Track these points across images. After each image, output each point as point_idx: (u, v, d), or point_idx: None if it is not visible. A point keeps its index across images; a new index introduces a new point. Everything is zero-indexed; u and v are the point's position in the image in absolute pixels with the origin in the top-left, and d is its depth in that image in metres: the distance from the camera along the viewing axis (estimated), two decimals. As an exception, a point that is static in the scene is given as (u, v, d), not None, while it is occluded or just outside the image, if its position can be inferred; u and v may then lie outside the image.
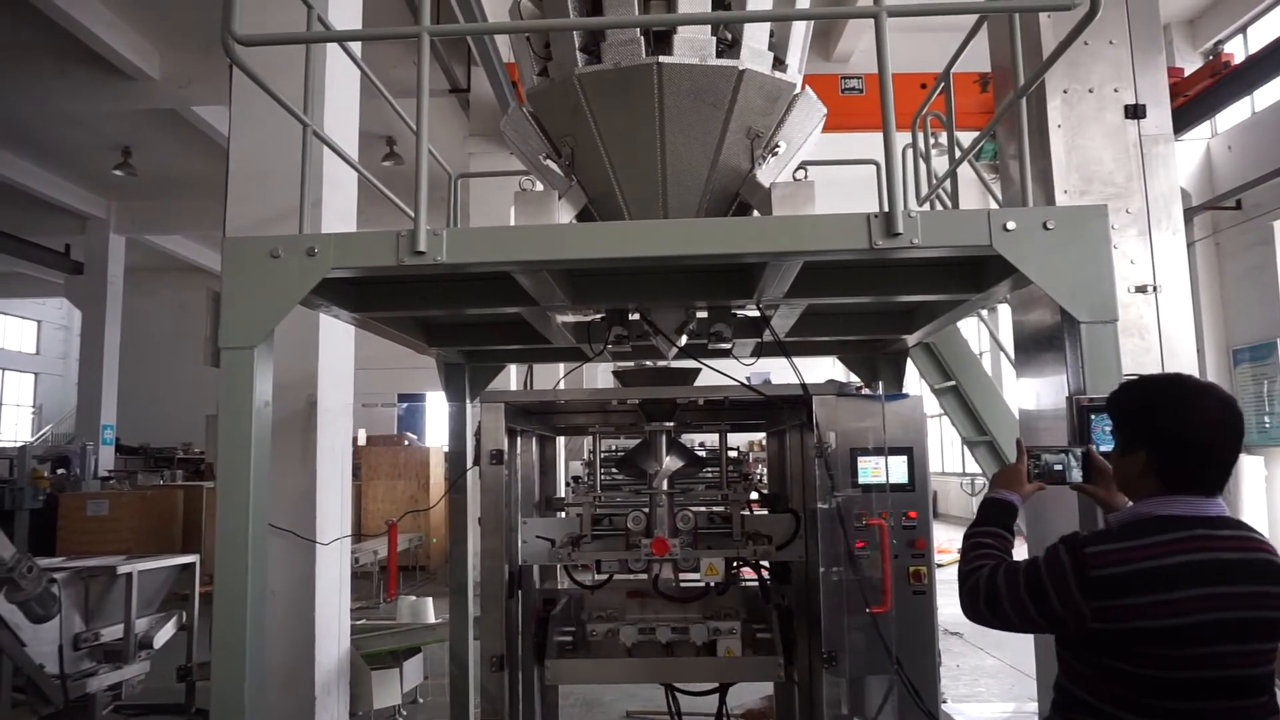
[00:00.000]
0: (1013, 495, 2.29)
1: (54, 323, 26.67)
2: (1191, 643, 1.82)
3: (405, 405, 23.75)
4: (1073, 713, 1.98)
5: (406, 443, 15.35)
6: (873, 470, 3.30)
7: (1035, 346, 3.85)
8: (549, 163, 3.34)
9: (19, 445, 13.61)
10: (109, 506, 11.84)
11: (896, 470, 3.29)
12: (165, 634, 5.73)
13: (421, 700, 6.40)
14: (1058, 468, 2.35)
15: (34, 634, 4.66)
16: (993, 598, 2.01)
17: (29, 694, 4.76)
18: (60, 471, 14.20)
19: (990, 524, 2.23)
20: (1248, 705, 1.85)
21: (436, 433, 22.63)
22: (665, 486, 3.51)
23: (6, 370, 25.25)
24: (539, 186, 3.10)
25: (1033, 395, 3.89)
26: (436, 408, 24.69)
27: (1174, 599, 1.81)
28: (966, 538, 2.24)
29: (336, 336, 5.49)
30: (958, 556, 2.26)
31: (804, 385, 3.27)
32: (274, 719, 4.98)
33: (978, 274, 3.30)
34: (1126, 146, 3.87)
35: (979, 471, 6.07)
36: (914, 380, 5.17)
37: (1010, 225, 2.59)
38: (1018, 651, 7.54)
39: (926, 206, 4.46)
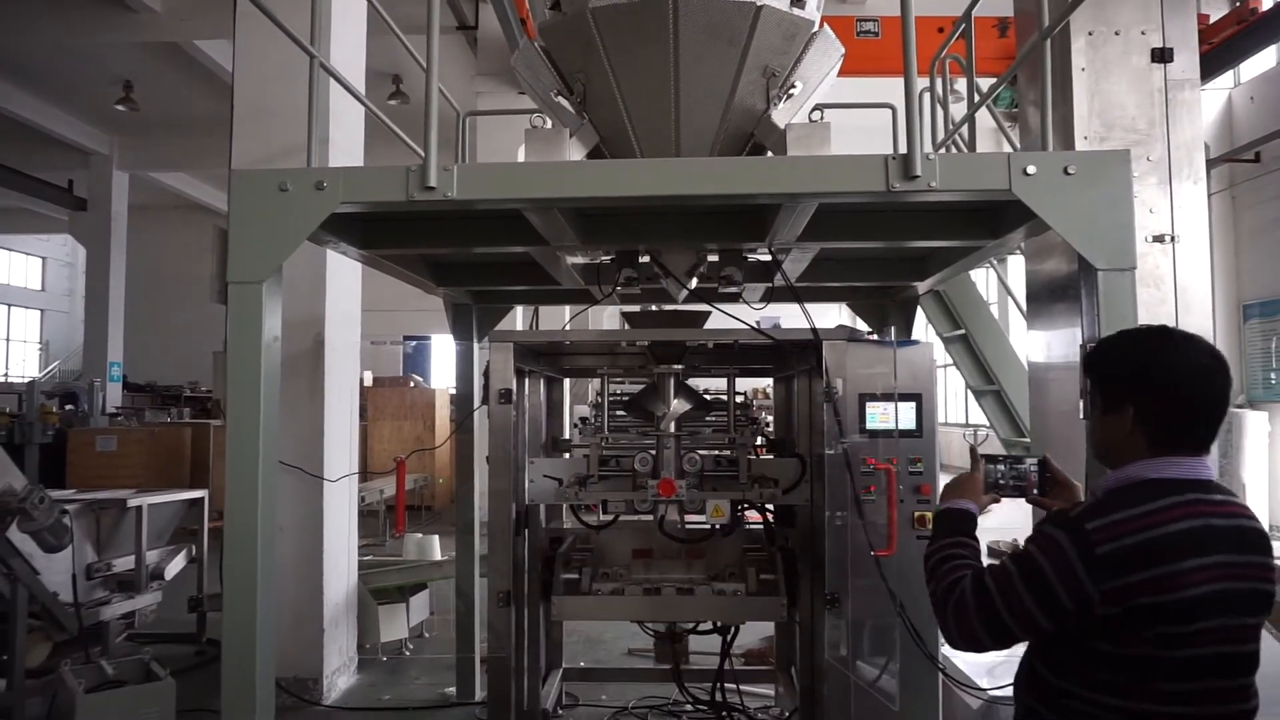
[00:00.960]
0: (969, 504, 2.09)
1: (59, 259, 26.60)
2: (1197, 618, 1.66)
3: (413, 343, 23.75)
4: (1062, 701, 1.77)
5: (412, 384, 15.40)
6: (880, 416, 3.30)
7: (1048, 297, 3.82)
8: (560, 100, 3.28)
9: (27, 380, 13.64)
10: (117, 443, 11.93)
11: (905, 416, 3.29)
12: (176, 566, 5.81)
13: (427, 635, 6.51)
14: (1013, 479, 2.18)
15: (47, 563, 4.73)
16: (986, 611, 1.75)
17: (45, 621, 4.85)
18: (68, 407, 14.30)
19: (954, 534, 1.99)
20: (1244, 684, 1.73)
21: (442, 375, 22.70)
22: (672, 429, 3.52)
23: (12, 306, 25.26)
24: (550, 124, 3.04)
25: (1043, 347, 3.87)
26: (442, 350, 24.73)
27: (1180, 571, 1.65)
28: (929, 557, 1.98)
29: (344, 276, 5.48)
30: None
31: (814, 330, 3.25)
32: (284, 651, 5.08)
33: (994, 220, 3.26)
34: (1151, 92, 3.79)
35: (984, 422, 6.07)
36: (920, 328, 5.15)
37: (1030, 169, 2.54)
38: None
39: (943, 152, 4.39)
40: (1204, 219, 3.78)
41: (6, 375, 22.19)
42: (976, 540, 2.00)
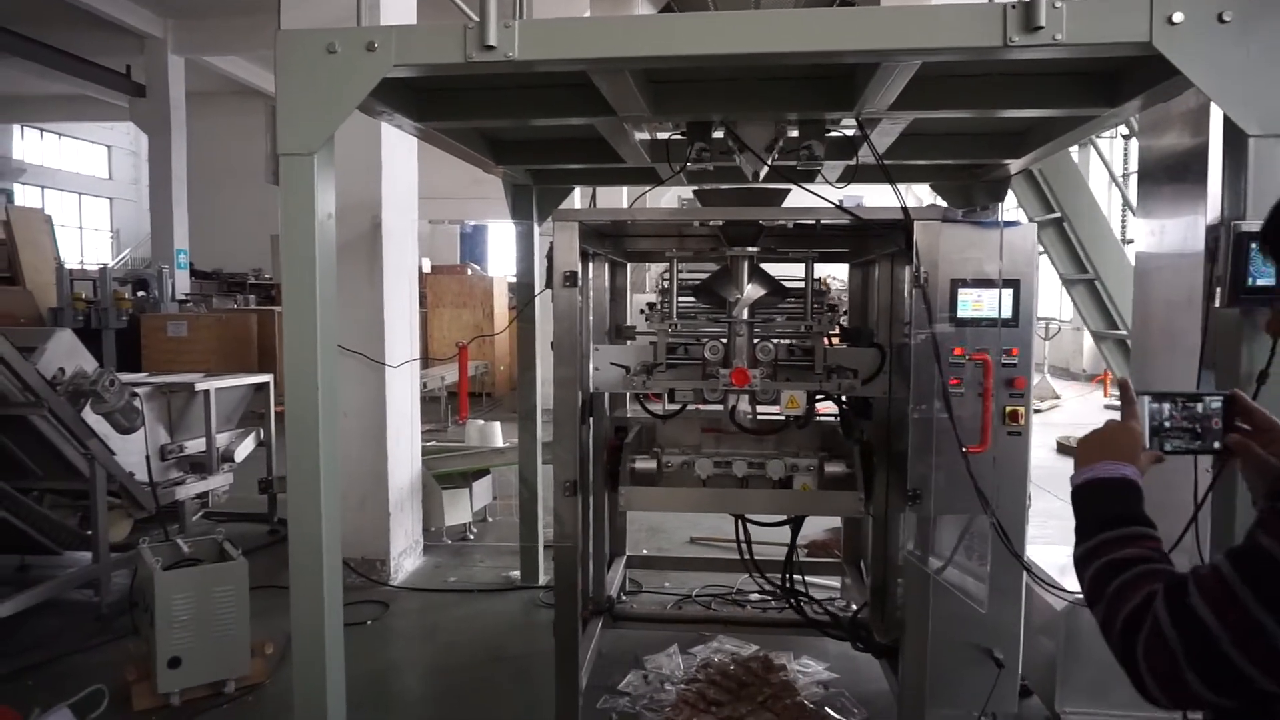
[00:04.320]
0: (1128, 468, 1.39)
1: (123, 148, 26.84)
2: None
3: (470, 225, 23.66)
4: None
5: (470, 271, 15.36)
6: (973, 304, 3.04)
7: (1165, 176, 3.43)
8: (628, -49, 2.97)
9: (99, 267, 13.93)
10: (188, 328, 12.20)
11: (1001, 304, 3.03)
12: (245, 449, 5.92)
13: (490, 519, 6.60)
14: (1187, 425, 1.50)
15: (122, 444, 4.83)
16: (1202, 650, 1.10)
17: (124, 499, 5.00)
18: (140, 294, 14.64)
19: (1119, 522, 1.32)
20: None
21: (499, 262, 22.69)
22: (745, 315, 3.32)
23: (83, 195, 25.73)
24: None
25: (1155, 234, 3.51)
26: (499, 237, 24.64)
27: None
28: (1084, 559, 1.32)
29: (400, 156, 5.29)
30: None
31: (905, 209, 2.97)
32: (351, 533, 5.18)
33: (1113, 84, 2.90)
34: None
35: (1052, 315, 5.68)
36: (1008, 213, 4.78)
37: (1176, 17, 2.19)
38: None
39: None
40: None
41: (82, 263, 22.76)
42: (1152, 525, 1.32)
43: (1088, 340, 16.37)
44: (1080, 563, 1.32)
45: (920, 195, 12.35)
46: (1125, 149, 13.70)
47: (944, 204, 4.78)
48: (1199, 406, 1.51)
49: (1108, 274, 4.35)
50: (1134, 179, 13.58)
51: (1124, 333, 4.50)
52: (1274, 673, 1.07)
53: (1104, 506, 1.36)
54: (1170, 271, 3.44)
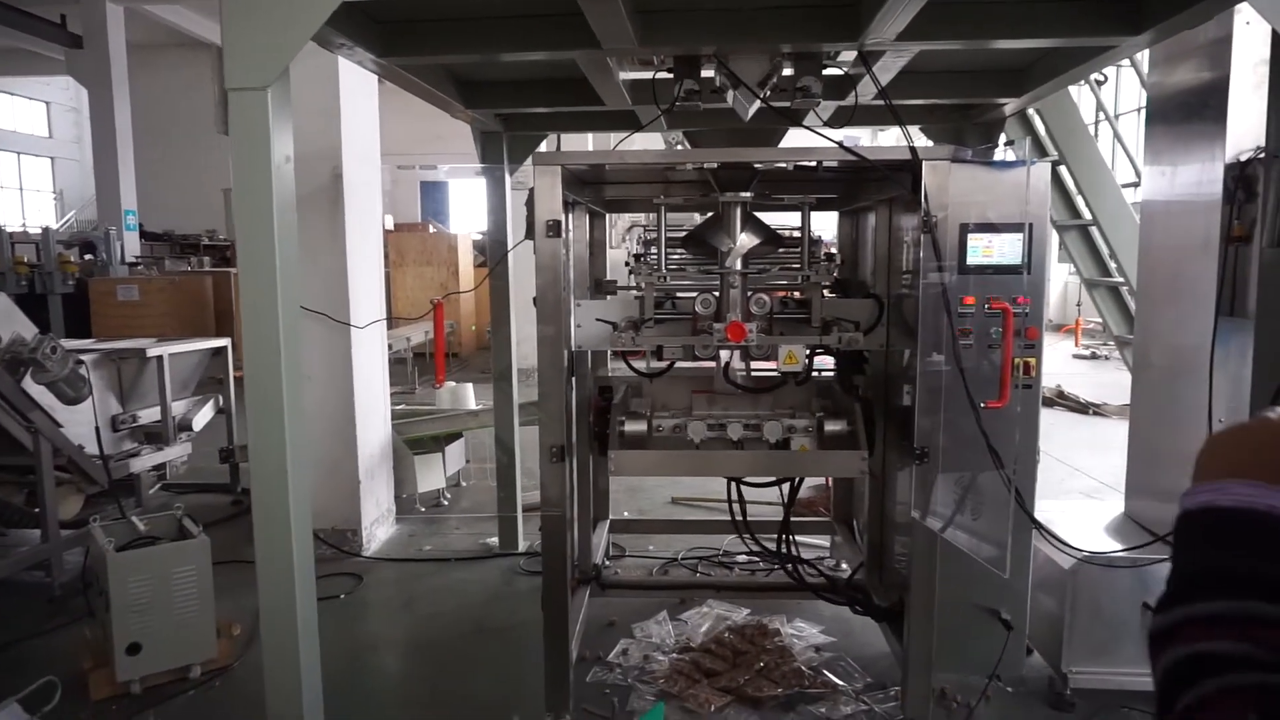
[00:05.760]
0: (1268, 494, 0.78)
1: (63, 104, 25.65)
2: None
3: (432, 180, 22.92)
4: None
5: (431, 229, 14.94)
6: (983, 249, 2.86)
7: (1179, 116, 3.26)
8: None
9: (41, 229, 13.28)
10: (139, 292, 11.71)
11: (1011, 249, 2.85)
12: (204, 417, 5.63)
13: (464, 484, 6.40)
14: None
15: (69, 415, 4.52)
16: None
17: (74, 473, 4.70)
18: (87, 257, 14.02)
19: (1234, 587, 0.76)
20: None
21: (462, 219, 22.18)
22: (739, 266, 3.10)
23: (21, 154, 24.60)
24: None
25: (1164, 176, 3.35)
26: (461, 193, 24.05)
27: None
28: (1167, 636, 0.77)
29: (360, 100, 4.95)
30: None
31: (913, 148, 2.76)
32: (320, 503, 4.93)
33: (1138, 9, 2.71)
34: None
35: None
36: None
37: (1227, -75, 1.99)
38: (1067, 445, 7.41)
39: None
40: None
41: (25, 226, 21.80)
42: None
43: (1055, 289, 16.42)
44: (1157, 638, 0.80)
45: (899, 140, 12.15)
46: (1116, 88, 13.58)
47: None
48: None
49: (1105, 219, 4.19)
50: (1124, 120, 13.39)
51: (1120, 280, 4.37)
52: None
53: (1222, 554, 0.81)
54: (1181, 215, 3.29)
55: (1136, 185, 4.90)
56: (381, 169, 5.29)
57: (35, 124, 25.34)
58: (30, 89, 24.32)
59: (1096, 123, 7.54)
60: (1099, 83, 5.44)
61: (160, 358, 5.11)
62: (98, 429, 4.54)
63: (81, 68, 16.48)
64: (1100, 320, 4.95)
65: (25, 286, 11.94)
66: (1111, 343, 10.04)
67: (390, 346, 9.36)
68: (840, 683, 3.44)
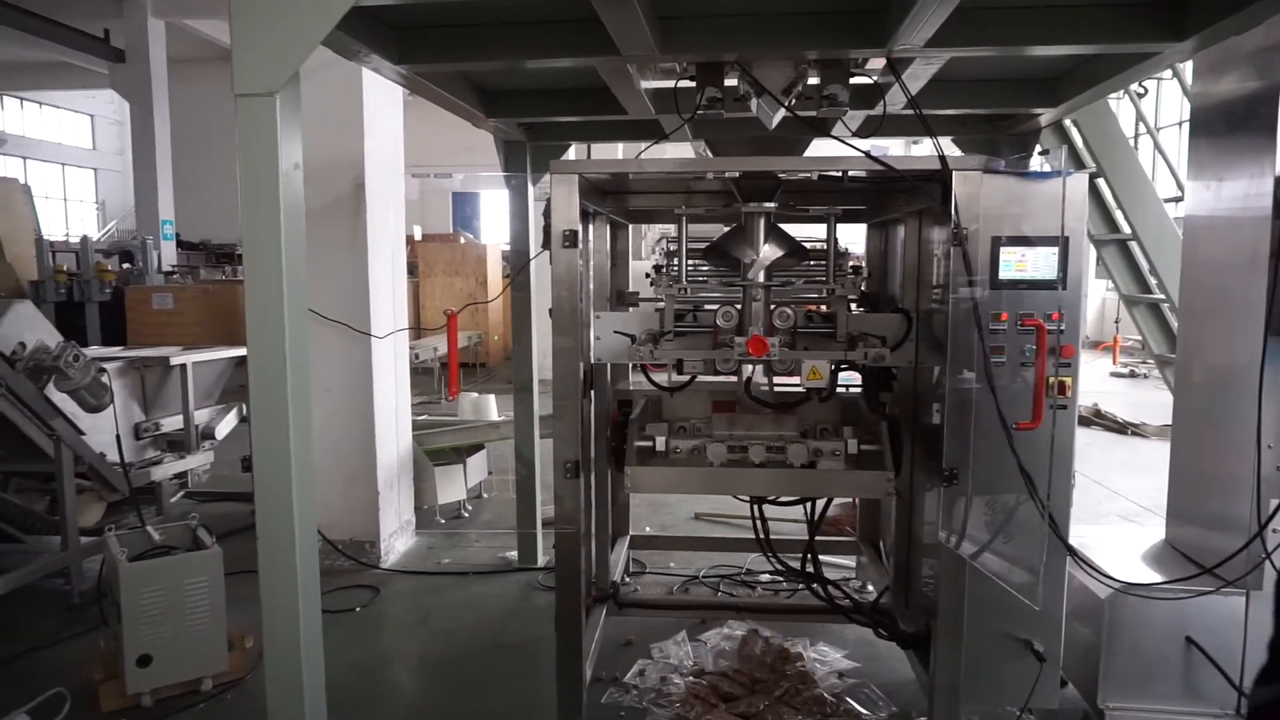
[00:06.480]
0: None
1: (107, 117, 26.24)
2: None
3: (463, 192, 23.02)
4: None
5: (462, 240, 15.00)
6: (1016, 264, 2.75)
7: (1224, 127, 3.12)
8: None
9: (80, 238, 13.52)
10: (173, 300, 11.85)
11: (1046, 264, 2.73)
12: (227, 425, 5.62)
13: (486, 496, 6.34)
14: None
15: (93, 423, 4.53)
16: None
17: (95, 481, 4.71)
18: (125, 266, 14.24)
19: None
20: None
21: (492, 230, 22.28)
22: (762, 278, 3.01)
23: (66, 166, 25.17)
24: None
25: (1210, 191, 3.20)
26: (491, 204, 24.18)
27: None
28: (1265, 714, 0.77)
29: (383, 109, 4.93)
30: None
31: (943, 157, 2.66)
32: (338, 512, 4.91)
33: (1181, 14, 2.59)
34: None
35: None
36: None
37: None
38: (1104, 466, 7.20)
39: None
40: None
41: (68, 236, 22.28)
42: None
43: (1092, 305, 16.09)
44: (1259, 714, 0.73)
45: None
46: (1157, 100, 13.29)
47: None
48: None
49: (1147, 234, 4.04)
50: (1165, 133, 13.07)
51: (1160, 296, 4.21)
52: None
53: None
54: (1227, 230, 3.14)
55: (1179, 200, 4.74)
56: (408, 179, 5.28)
57: (80, 136, 25.92)
58: (75, 102, 24.91)
59: (1136, 135, 7.36)
60: (1139, 94, 5.27)
61: (184, 366, 5.11)
62: (119, 437, 4.54)
63: (124, 81, 16.84)
64: (1140, 338, 4.78)
65: (64, 294, 12.18)
66: (1151, 361, 9.77)
67: (417, 356, 9.37)
68: (864, 711, 3.32)
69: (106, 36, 16.56)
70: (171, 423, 5.17)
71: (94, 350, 5.01)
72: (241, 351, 5.71)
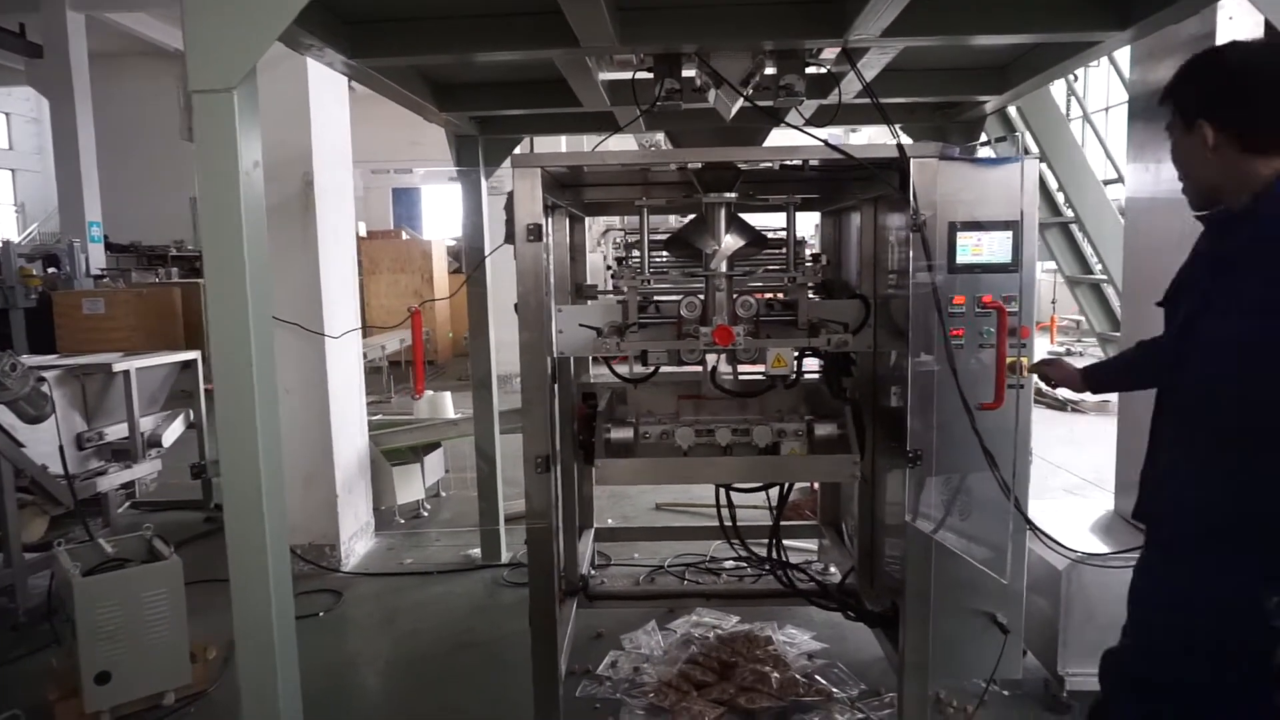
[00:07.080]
0: None
1: (23, 115, 25.17)
2: None
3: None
4: None
5: (404, 236, 14.78)
6: (973, 248, 2.82)
7: (1162, 112, 3.23)
8: None
9: (1, 242, 12.94)
10: (105, 305, 11.44)
11: (999, 248, 2.81)
12: (174, 432, 5.47)
13: (444, 494, 6.28)
14: None
15: (31, 435, 4.36)
16: None
17: (37, 494, 4.54)
18: (51, 270, 13.70)
19: None
20: None
21: (434, 226, 21.99)
22: (724, 268, 3.04)
23: (-20, 166, 24.13)
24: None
25: (1149, 174, 3.32)
26: (433, 200, 23.85)
27: None
28: None
29: (329, 104, 4.84)
30: None
31: (900, 145, 2.71)
32: (297, 517, 4.81)
33: (1121, 5, 2.68)
34: None
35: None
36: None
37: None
38: (1047, 442, 7.43)
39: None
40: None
41: (-15, 240, 21.36)
42: None
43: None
44: None
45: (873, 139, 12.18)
46: (1084, 86, 13.69)
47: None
48: None
49: (1088, 216, 4.17)
50: (1099, 116, 13.45)
51: (1102, 277, 4.35)
52: None
53: None
54: (1166, 212, 3.26)
55: (1114, 182, 4.90)
56: (354, 174, 5.18)
57: (-6, 135, 24.82)
58: (-12, 100, 23.84)
59: (1069, 119, 7.57)
60: (1072, 80, 5.44)
61: (127, 372, 4.96)
62: (61, 448, 4.38)
63: (42, 77, 16.13)
64: (1077, 317, 4.94)
65: (-14, 301, 11.67)
66: (1086, 340, 10.10)
67: (365, 356, 9.21)
68: (835, 690, 3.38)
69: (22, 31, 15.85)
70: (116, 431, 5.01)
71: (31, 359, 4.82)
72: (188, 356, 5.56)
